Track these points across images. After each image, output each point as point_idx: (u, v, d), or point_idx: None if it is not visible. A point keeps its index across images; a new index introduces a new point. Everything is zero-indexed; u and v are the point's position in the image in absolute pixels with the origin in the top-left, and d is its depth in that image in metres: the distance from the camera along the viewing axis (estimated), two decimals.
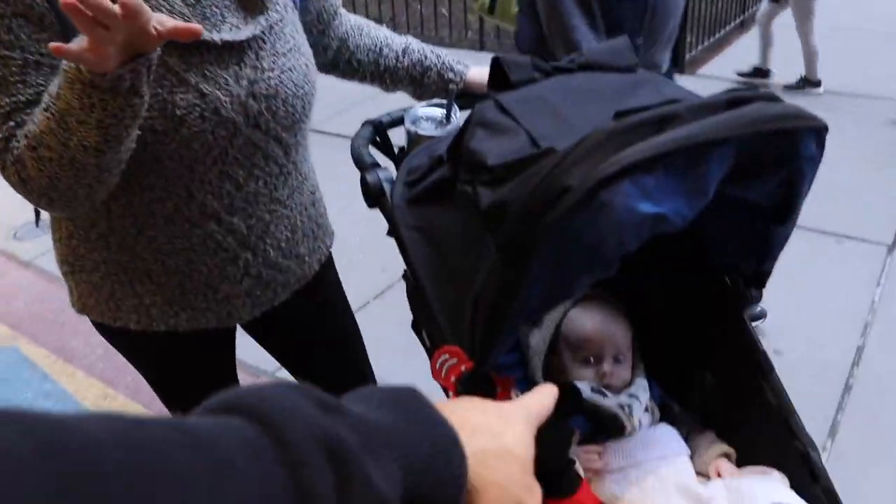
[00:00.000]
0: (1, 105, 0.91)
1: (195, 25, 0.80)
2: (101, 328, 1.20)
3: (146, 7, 0.76)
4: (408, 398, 0.44)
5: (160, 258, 1.09)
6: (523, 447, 0.49)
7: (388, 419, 0.41)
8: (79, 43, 0.78)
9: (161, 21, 0.78)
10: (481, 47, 6.13)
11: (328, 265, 1.35)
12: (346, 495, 0.35)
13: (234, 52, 1.01)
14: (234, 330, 1.29)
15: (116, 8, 0.74)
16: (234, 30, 1.01)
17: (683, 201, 0.65)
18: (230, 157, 1.04)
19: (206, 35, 0.96)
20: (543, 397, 0.57)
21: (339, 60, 1.33)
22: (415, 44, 1.36)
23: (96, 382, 2.47)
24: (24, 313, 2.88)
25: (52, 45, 0.78)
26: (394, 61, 1.32)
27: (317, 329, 1.36)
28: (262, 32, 1.04)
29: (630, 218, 0.62)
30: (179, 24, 0.80)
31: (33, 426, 0.28)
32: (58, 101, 0.86)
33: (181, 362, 1.24)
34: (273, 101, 1.05)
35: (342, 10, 1.32)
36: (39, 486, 0.26)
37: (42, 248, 3.26)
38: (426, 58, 1.33)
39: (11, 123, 0.91)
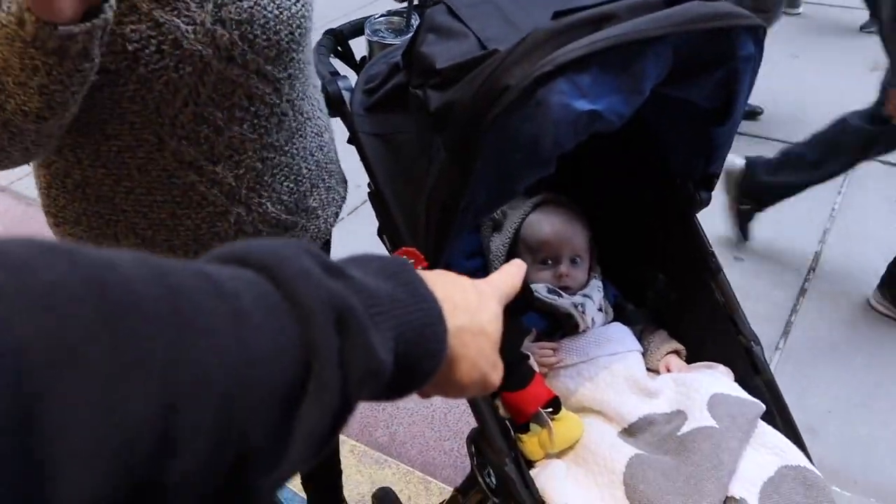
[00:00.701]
0: None
1: None
2: None
3: None
4: (400, 269, 0.45)
5: (142, 210, 0.97)
6: (494, 326, 0.52)
7: (385, 288, 0.42)
8: None
9: None
10: None
11: None
12: (348, 360, 0.37)
13: None
14: None
15: None
16: None
17: (619, 99, 0.68)
18: (203, 97, 0.88)
19: None
20: (512, 276, 0.59)
21: None
22: None
23: None
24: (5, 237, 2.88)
25: None
26: None
27: None
28: None
29: (565, 116, 0.65)
30: None
31: (81, 259, 0.30)
32: None
33: None
34: (247, 26, 0.87)
35: None
36: (84, 318, 0.28)
37: (19, 172, 3.21)
38: None
39: None
